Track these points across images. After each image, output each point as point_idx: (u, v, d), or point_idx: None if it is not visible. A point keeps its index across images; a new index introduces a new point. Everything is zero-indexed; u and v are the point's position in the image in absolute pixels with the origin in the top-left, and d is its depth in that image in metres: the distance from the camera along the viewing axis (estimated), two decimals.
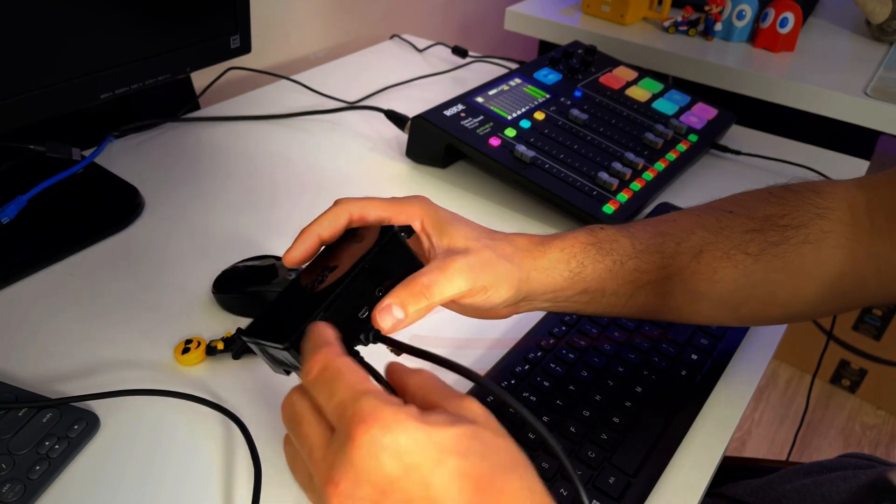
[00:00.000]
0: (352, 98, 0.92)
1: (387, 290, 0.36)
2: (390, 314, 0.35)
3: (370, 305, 0.35)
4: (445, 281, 0.37)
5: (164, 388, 0.48)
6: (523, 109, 0.78)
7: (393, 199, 0.41)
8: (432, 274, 0.37)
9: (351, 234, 0.40)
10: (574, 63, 0.88)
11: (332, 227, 0.39)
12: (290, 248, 0.39)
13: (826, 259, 0.43)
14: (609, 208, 0.68)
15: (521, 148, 0.71)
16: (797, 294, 0.44)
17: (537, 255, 0.41)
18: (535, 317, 0.56)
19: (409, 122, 0.78)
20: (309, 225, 0.39)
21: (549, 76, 0.85)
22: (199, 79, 0.90)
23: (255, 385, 0.50)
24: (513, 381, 0.49)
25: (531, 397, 0.48)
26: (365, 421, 0.26)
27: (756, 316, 0.47)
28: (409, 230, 0.39)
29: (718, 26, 1.11)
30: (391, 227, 0.37)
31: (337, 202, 0.40)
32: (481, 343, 0.55)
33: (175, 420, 0.47)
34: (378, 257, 0.35)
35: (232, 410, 0.47)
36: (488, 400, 0.46)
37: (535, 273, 0.41)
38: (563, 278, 0.42)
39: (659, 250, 0.43)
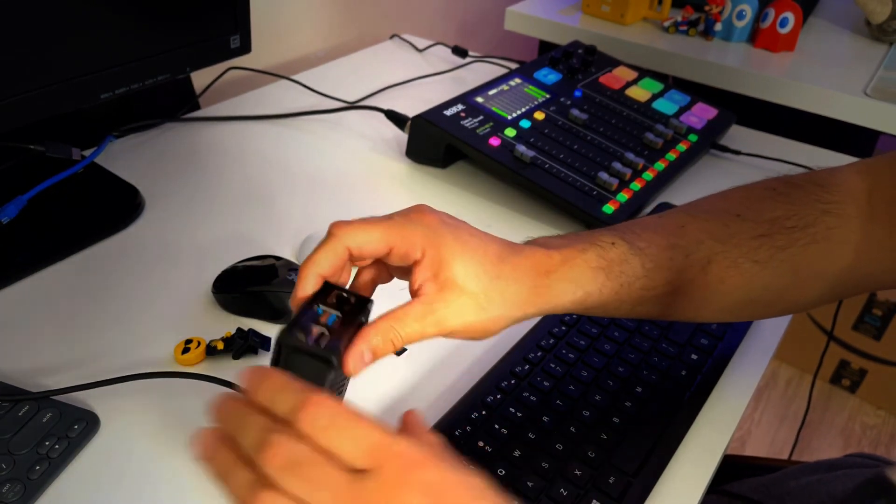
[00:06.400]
0: (352, 98, 0.92)
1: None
2: (360, 360, 0.34)
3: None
4: (422, 328, 0.36)
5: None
6: (523, 109, 0.78)
7: (392, 221, 0.37)
8: (407, 321, 0.35)
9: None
10: (574, 63, 0.88)
11: (332, 265, 0.36)
12: (295, 289, 0.36)
13: (831, 256, 0.43)
14: (609, 208, 0.68)
15: (521, 148, 0.71)
16: (801, 293, 0.44)
17: (542, 291, 0.39)
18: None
19: (409, 122, 0.78)
20: (306, 263, 0.36)
21: (549, 76, 0.85)
22: (199, 79, 0.90)
23: None
24: (512, 382, 0.49)
25: (531, 398, 0.48)
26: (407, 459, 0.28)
27: (756, 315, 0.49)
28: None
29: (718, 26, 1.11)
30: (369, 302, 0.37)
31: (332, 231, 0.36)
32: (480, 343, 0.55)
33: (175, 419, 0.47)
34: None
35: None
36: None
37: (534, 310, 0.40)
38: (565, 306, 0.41)
39: (668, 266, 0.42)
